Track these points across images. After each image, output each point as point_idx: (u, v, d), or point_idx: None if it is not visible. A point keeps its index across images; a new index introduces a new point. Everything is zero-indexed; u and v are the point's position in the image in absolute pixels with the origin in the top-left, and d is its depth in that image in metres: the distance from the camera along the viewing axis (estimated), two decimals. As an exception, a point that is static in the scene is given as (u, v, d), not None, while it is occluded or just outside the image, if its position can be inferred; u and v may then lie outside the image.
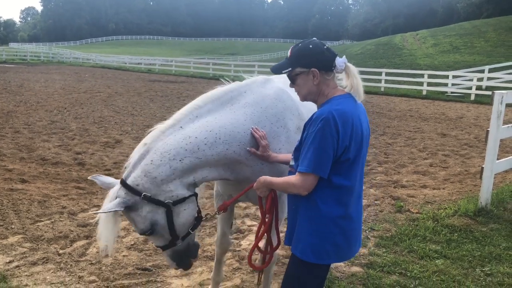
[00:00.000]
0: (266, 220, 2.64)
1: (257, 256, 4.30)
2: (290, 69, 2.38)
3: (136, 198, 2.48)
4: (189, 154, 2.55)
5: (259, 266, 2.78)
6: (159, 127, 2.67)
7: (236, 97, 2.82)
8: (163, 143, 2.56)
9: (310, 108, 2.80)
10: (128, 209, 2.48)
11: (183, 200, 2.56)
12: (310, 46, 2.37)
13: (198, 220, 2.71)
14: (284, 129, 2.87)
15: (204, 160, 2.60)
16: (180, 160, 2.53)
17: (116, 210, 2.43)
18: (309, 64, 2.34)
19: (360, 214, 2.47)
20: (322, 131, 2.17)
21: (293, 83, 2.45)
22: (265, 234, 2.67)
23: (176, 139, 2.57)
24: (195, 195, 2.67)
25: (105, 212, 2.43)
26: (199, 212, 2.73)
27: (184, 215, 2.58)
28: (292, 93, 2.98)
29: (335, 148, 2.19)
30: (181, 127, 2.62)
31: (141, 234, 2.56)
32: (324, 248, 2.31)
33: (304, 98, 2.46)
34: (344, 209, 2.31)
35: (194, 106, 2.73)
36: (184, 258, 2.73)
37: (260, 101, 2.84)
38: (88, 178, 2.76)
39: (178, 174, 2.55)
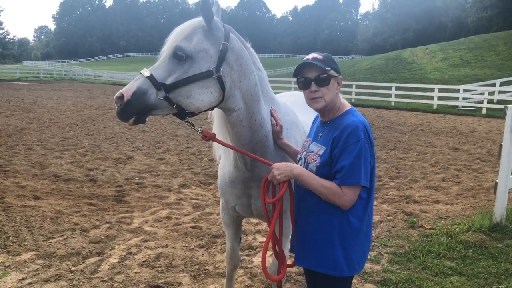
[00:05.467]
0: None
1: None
2: (329, 68, 2.35)
3: (219, 35, 2.41)
4: (260, 89, 2.61)
5: (275, 277, 2.58)
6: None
7: (268, 91, 2.83)
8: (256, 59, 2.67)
9: (309, 125, 2.87)
10: (203, 30, 2.38)
11: (221, 83, 2.39)
12: (333, 57, 2.46)
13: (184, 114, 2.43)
14: (294, 139, 2.94)
15: (258, 110, 2.60)
16: (255, 83, 2.56)
17: (207, 12, 2.33)
18: (338, 71, 2.41)
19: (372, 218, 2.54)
20: (364, 142, 2.23)
21: (327, 84, 2.36)
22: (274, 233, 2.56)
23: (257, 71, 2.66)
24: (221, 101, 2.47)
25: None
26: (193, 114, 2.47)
27: (205, 94, 2.37)
28: (296, 111, 3.16)
29: (370, 158, 2.30)
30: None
31: (176, 48, 2.32)
32: (356, 258, 2.36)
33: (326, 103, 2.38)
34: (367, 216, 2.38)
35: None
36: (135, 105, 2.29)
37: (278, 106, 2.89)
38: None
39: (245, 84, 2.51)
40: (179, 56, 2.30)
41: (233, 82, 2.45)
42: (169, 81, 2.30)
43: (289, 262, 2.77)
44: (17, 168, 8.29)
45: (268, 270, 2.80)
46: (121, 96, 2.27)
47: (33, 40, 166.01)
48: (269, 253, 4.88)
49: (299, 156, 2.58)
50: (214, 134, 2.60)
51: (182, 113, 2.39)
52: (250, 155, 2.61)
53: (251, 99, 2.54)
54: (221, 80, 2.38)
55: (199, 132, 2.54)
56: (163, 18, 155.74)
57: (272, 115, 2.74)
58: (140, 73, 2.33)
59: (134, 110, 2.29)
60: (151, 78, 2.29)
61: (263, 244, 5.25)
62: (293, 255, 2.58)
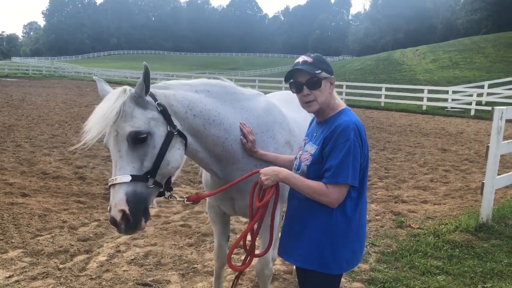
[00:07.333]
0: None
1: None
2: (320, 71, 2.36)
3: (151, 100, 2.38)
4: (201, 117, 2.62)
5: (238, 267, 2.69)
6: (184, 81, 2.77)
7: (238, 99, 2.94)
8: (185, 93, 2.63)
9: (302, 125, 2.92)
10: (136, 102, 2.31)
11: (183, 138, 2.48)
12: (324, 57, 2.47)
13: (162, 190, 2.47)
14: (273, 140, 2.97)
15: (206, 134, 2.65)
16: (193, 115, 2.59)
17: (129, 95, 2.29)
18: (330, 71, 2.42)
19: (366, 218, 2.54)
20: (353, 142, 2.24)
21: (319, 87, 2.38)
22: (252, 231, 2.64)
23: (196, 97, 2.66)
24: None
25: (116, 98, 2.26)
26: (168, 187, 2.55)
27: (176, 153, 2.42)
28: (284, 109, 3.20)
29: (361, 158, 2.30)
30: (196, 91, 2.71)
31: (132, 134, 2.23)
32: (345, 257, 2.36)
33: (320, 105, 2.41)
34: (358, 215, 2.38)
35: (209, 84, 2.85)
36: (139, 210, 2.24)
37: (254, 109, 2.97)
38: (94, 77, 2.68)
39: (185, 124, 2.56)
40: (142, 139, 2.25)
41: (184, 126, 2.54)
42: (147, 166, 2.28)
43: (257, 252, 2.86)
44: (5, 165, 8.21)
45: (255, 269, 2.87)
46: (123, 214, 2.18)
47: (22, 36, 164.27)
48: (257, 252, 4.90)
49: (295, 155, 2.62)
50: (197, 194, 2.69)
51: (167, 187, 2.50)
52: (232, 183, 2.68)
53: (195, 130, 2.61)
54: (180, 132, 2.46)
55: (186, 201, 2.67)
56: (154, 16, 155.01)
57: (241, 130, 2.80)
58: (115, 184, 2.21)
59: (140, 214, 2.26)
60: (135, 178, 2.22)
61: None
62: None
